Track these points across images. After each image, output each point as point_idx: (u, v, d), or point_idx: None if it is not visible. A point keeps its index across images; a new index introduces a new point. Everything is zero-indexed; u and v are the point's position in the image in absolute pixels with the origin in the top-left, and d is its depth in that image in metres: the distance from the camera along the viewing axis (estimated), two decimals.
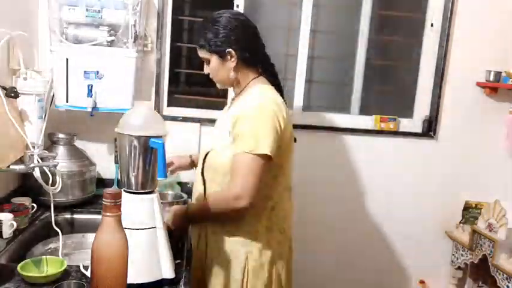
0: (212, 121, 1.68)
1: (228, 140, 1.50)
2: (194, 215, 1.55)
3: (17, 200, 1.71)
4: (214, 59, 1.54)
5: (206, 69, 1.60)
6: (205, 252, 1.60)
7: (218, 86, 1.65)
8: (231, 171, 1.46)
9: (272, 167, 1.48)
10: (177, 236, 1.53)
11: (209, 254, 1.58)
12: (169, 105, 2.36)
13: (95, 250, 1.08)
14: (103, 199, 1.08)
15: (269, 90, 1.56)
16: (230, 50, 1.52)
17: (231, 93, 2.36)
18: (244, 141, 1.43)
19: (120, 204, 1.08)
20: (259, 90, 1.55)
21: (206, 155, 1.57)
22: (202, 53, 1.56)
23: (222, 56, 1.53)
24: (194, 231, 1.65)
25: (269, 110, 1.47)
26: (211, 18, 1.55)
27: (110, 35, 1.90)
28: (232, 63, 1.54)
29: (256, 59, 1.60)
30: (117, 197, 1.08)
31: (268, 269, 1.55)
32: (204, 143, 1.83)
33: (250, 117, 1.46)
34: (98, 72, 1.92)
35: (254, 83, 1.58)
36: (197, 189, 1.63)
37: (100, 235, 1.08)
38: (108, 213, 1.07)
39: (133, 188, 1.27)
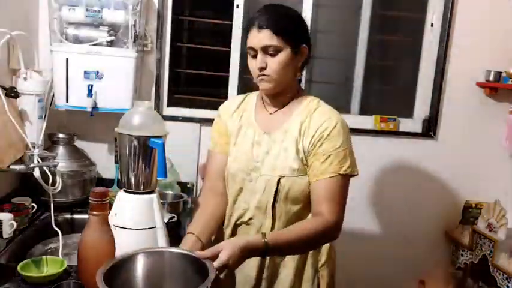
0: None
1: (301, 163, 1.33)
2: (276, 248, 1.21)
3: (17, 200, 1.71)
4: (288, 51, 1.29)
5: (261, 61, 1.29)
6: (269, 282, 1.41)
7: (268, 86, 1.32)
8: (326, 195, 1.29)
9: None
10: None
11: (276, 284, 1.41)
12: (169, 105, 2.36)
13: (81, 249, 1.09)
14: (89, 198, 1.08)
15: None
16: (305, 45, 1.34)
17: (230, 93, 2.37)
18: (337, 162, 1.30)
19: (107, 203, 1.08)
20: (324, 105, 1.40)
21: (278, 182, 1.32)
22: (272, 40, 1.27)
23: (297, 50, 1.32)
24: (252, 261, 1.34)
25: (346, 125, 1.37)
26: (284, 6, 1.35)
27: (110, 35, 1.90)
28: (300, 62, 1.35)
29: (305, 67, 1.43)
30: (104, 196, 1.08)
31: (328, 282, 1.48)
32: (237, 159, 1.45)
33: (337, 136, 1.31)
34: (98, 72, 1.92)
35: (304, 93, 1.43)
36: (260, 226, 1.38)
37: (87, 233, 1.08)
38: (94, 212, 1.08)
39: (133, 188, 1.28)
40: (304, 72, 1.75)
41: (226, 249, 1.10)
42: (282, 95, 1.38)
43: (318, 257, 1.44)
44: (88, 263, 1.08)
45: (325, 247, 1.46)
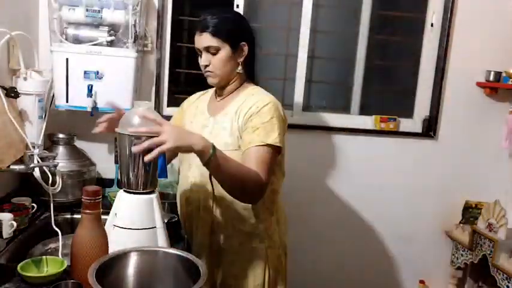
0: None
1: (236, 139, 1.47)
2: (220, 157, 1.26)
3: (17, 200, 1.71)
4: (227, 49, 1.48)
5: (205, 60, 1.50)
6: (219, 255, 1.56)
7: (213, 81, 1.54)
8: (255, 160, 1.38)
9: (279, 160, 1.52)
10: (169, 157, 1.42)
11: (225, 256, 1.55)
12: (169, 105, 2.36)
13: (74, 247, 1.11)
14: (82, 197, 1.08)
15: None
16: (244, 43, 1.51)
17: None
18: (265, 133, 1.41)
19: (100, 202, 1.11)
20: (262, 91, 1.56)
21: None
22: (212, 41, 1.47)
23: (236, 47, 1.50)
24: (202, 236, 1.56)
25: (280, 109, 1.49)
26: (224, 9, 1.55)
27: (110, 35, 1.90)
28: (241, 57, 1.52)
29: (254, 61, 1.60)
30: (96, 194, 1.10)
31: (283, 261, 1.61)
32: None
33: (266, 112, 1.45)
34: (98, 72, 1.92)
35: (249, 84, 1.58)
36: (201, 195, 1.54)
37: (79, 232, 1.10)
38: (87, 211, 1.10)
39: (133, 188, 1.27)
40: (305, 72, 1.75)
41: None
42: (228, 86, 1.56)
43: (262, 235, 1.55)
44: (81, 261, 1.10)
45: (276, 232, 1.59)
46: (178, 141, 1.18)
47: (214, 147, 1.24)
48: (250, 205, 1.51)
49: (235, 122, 1.48)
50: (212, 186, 1.50)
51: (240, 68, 1.53)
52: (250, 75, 1.60)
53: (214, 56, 1.49)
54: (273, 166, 1.44)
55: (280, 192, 1.62)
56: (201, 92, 1.73)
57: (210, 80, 1.54)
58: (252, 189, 1.37)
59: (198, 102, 1.68)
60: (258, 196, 1.41)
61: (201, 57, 1.53)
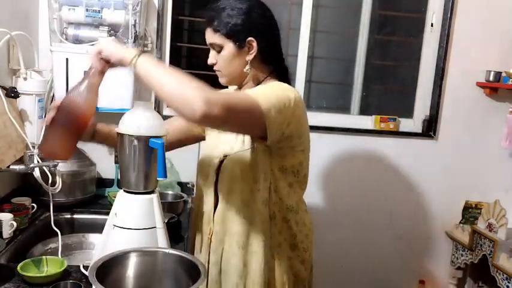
0: None
1: (245, 144, 1.32)
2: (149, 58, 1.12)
3: (17, 200, 1.71)
4: (230, 47, 1.30)
5: (212, 58, 1.35)
6: (219, 278, 1.39)
7: (222, 81, 1.39)
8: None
9: (288, 171, 1.34)
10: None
11: (227, 279, 1.38)
12: None
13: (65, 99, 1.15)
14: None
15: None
16: (251, 38, 1.30)
17: None
18: (255, 91, 1.25)
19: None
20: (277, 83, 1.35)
21: (220, 163, 1.34)
22: (214, 38, 1.31)
23: (241, 44, 1.30)
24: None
25: (288, 89, 1.29)
26: (229, 2, 1.31)
27: (110, 35, 1.90)
28: (250, 55, 1.32)
29: (275, 56, 1.38)
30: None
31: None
32: (204, 149, 1.53)
33: (270, 84, 1.31)
34: None
35: (268, 81, 1.37)
36: (206, 205, 1.41)
37: (77, 95, 1.14)
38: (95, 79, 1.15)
39: (133, 188, 1.27)
40: (305, 72, 1.73)
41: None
42: (245, 86, 1.38)
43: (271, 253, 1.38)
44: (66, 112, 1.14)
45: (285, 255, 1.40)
46: (108, 45, 1.13)
47: (140, 54, 1.09)
48: (256, 220, 1.33)
49: None
50: (216, 196, 1.37)
51: (248, 67, 1.33)
52: (278, 72, 1.39)
53: (218, 54, 1.33)
54: (237, 111, 1.13)
55: (300, 212, 1.41)
56: (235, 88, 1.50)
57: (220, 80, 1.39)
58: (187, 101, 1.03)
59: None
60: (194, 110, 1.03)
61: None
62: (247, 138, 1.32)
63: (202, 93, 1.04)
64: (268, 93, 1.23)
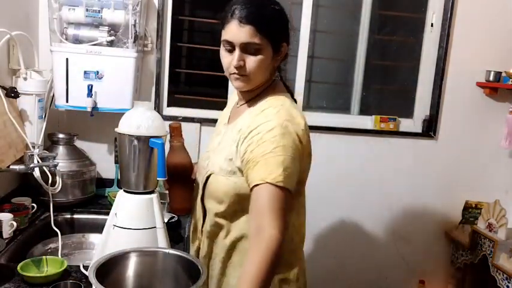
0: (212, 121, 1.58)
1: (234, 163, 1.20)
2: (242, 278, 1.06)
3: (17, 200, 1.71)
4: (269, 51, 1.19)
5: (239, 59, 1.18)
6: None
7: (240, 85, 1.23)
8: (257, 206, 1.10)
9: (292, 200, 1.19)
10: None
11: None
12: (169, 105, 2.36)
13: (168, 167, 1.29)
14: (169, 131, 1.37)
15: (289, 103, 1.25)
16: (285, 44, 1.25)
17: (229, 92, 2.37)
18: (265, 169, 1.10)
19: (181, 132, 1.40)
20: (276, 106, 1.21)
21: (207, 179, 1.27)
22: (254, 37, 1.15)
23: (278, 49, 1.22)
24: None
25: (293, 133, 1.16)
26: (268, 1, 1.21)
27: (110, 35, 1.90)
28: (278, 60, 1.25)
29: (285, 63, 1.33)
30: (178, 128, 1.40)
31: None
32: (204, 150, 1.47)
33: (269, 141, 1.12)
34: (98, 72, 1.92)
35: (273, 91, 1.27)
36: (196, 219, 1.36)
37: (168, 157, 1.34)
38: (174, 141, 1.39)
39: (133, 188, 1.28)
40: (305, 72, 1.74)
41: None
42: (253, 92, 1.28)
43: None
44: (175, 179, 1.37)
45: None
46: None
47: None
48: (244, 240, 1.24)
49: (234, 143, 1.22)
50: (204, 209, 1.30)
51: (277, 73, 1.28)
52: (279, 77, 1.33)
53: (251, 57, 1.18)
54: (282, 209, 1.08)
55: (295, 240, 1.29)
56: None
57: (239, 84, 1.23)
58: (274, 258, 1.04)
59: (231, 101, 1.44)
60: (280, 254, 1.06)
61: (229, 52, 1.21)
62: (238, 163, 1.19)
63: (273, 249, 1.04)
64: (275, 161, 1.10)
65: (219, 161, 1.24)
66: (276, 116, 1.17)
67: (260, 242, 1.05)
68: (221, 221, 1.26)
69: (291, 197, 1.12)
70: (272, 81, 1.29)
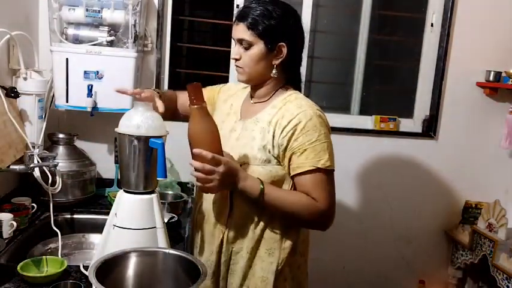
0: None
1: (269, 151, 1.32)
2: (269, 189, 1.28)
3: (17, 200, 1.71)
4: (261, 47, 1.31)
5: (236, 53, 1.35)
6: (225, 277, 1.41)
7: (241, 78, 1.38)
8: (310, 187, 1.30)
9: None
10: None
11: (232, 279, 1.40)
12: None
13: (190, 137, 1.25)
14: (188, 92, 1.21)
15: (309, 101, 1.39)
16: (283, 44, 1.32)
17: None
18: (314, 155, 1.29)
19: (202, 95, 1.23)
20: (301, 98, 1.38)
21: None
22: (245, 34, 1.31)
23: (272, 47, 1.32)
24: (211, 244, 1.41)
25: (325, 120, 1.35)
26: (269, 2, 1.33)
27: (110, 35, 1.90)
28: (277, 59, 1.34)
29: (296, 65, 1.42)
30: (198, 88, 1.22)
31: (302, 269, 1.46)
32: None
33: (312, 129, 1.30)
34: (98, 72, 1.92)
35: (287, 90, 1.40)
36: (218, 213, 1.39)
37: (191, 125, 1.25)
38: (195, 106, 1.22)
39: (133, 188, 1.28)
40: (305, 72, 1.75)
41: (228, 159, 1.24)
42: (262, 88, 1.40)
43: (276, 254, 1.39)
44: (197, 146, 1.22)
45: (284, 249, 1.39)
46: (225, 187, 1.27)
47: (262, 188, 1.26)
48: (271, 229, 1.36)
49: (269, 133, 1.33)
50: (231, 204, 1.37)
51: (274, 71, 1.35)
52: (291, 80, 1.42)
53: (245, 51, 1.33)
54: (331, 189, 1.32)
55: (305, 232, 1.46)
56: (243, 86, 1.51)
57: (238, 77, 1.39)
58: (309, 219, 1.32)
59: (234, 99, 1.51)
60: (322, 225, 1.35)
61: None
62: (276, 151, 1.32)
63: (317, 215, 1.30)
64: (322, 148, 1.30)
65: (251, 152, 1.33)
66: (308, 106, 1.34)
67: (313, 204, 1.29)
68: (252, 210, 1.35)
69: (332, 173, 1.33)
70: (285, 85, 1.41)
